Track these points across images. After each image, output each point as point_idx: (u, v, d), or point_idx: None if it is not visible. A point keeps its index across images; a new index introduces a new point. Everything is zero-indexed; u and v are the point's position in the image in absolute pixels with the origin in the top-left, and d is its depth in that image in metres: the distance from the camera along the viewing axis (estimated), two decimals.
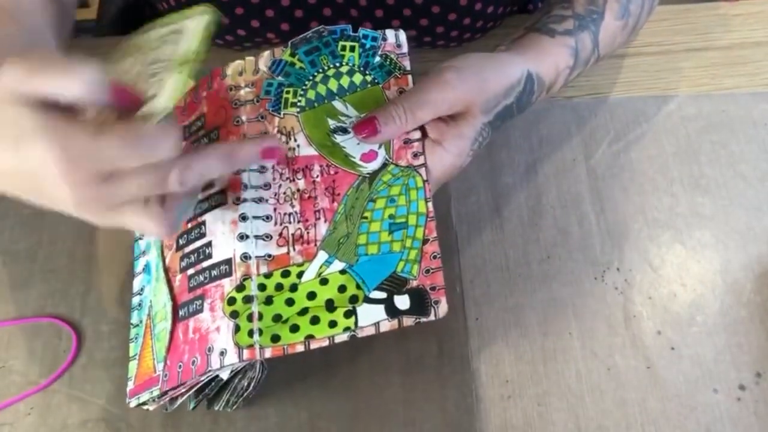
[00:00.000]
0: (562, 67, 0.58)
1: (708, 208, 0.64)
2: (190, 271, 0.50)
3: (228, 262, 0.48)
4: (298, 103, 0.52)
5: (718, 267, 0.61)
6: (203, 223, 0.50)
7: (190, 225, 0.51)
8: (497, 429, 0.55)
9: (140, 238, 0.55)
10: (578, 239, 0.62)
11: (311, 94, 0.52)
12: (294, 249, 0.49)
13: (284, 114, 0.51)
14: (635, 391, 0.56)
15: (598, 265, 0.61)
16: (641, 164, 0.66)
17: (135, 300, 0.54)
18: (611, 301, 0.60)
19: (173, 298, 0.50)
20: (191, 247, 0.50)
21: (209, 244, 0.49)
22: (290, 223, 0.49)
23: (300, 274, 0.48)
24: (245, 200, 0.50)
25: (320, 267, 0.48)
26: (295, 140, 0.51)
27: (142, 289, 0.53)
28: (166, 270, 0.51)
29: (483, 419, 0.55)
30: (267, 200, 0.50)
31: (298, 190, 0.50)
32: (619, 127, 0.68)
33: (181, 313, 0.49)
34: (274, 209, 0.50)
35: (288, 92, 0.52)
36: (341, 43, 0.53)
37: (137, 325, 0.53)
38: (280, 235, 0.49)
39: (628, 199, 0.64)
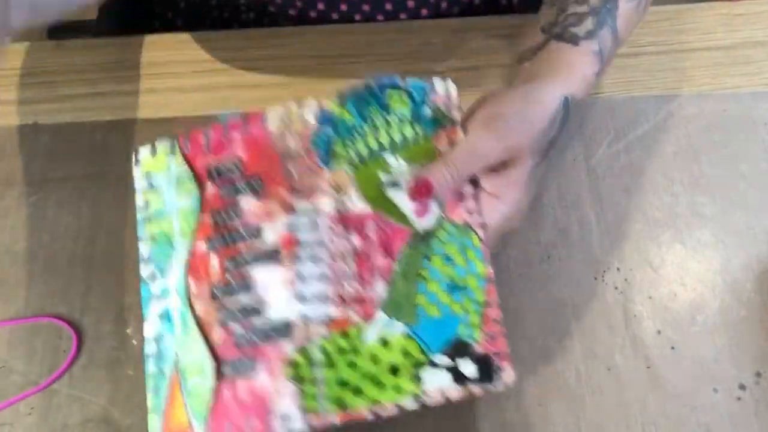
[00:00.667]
0: (590, 75, 0.56)
1: (708, 208, 0.64)
2: (236, 327, 0.47)
3: (285, 322, 0.47)
4: (349, 157, 0.51)
5: (718, 267, 0.61)
6: (249, 276, 0.49)
7: (228, 276, 0.49)
8: (497, 429, 0.55)
9: (150, 281, 0.52)
10: (578, 239, 0.62)
11: (362, 148, 0.51)
12: (352, 309, 0.48)
13: (335, 168, 0.51)
14: (635, 391, 0.56)
15: (598, 265, 0.61)
16: (642, 164, 0.66)
17: (150, 348, 0.50)
18: (611, 300, 0.60)
19: (214, 354, 0.47)
20: (234, 299, 0.48)
21: (260, 301, 0.48)
22: (347, 282, 0.48)
23: (361, 336, 0.47)
24: (299, 258, 0.49)
25: (381, 328, 0.48)
26: (348, 196, 0.50)
27: (160, 338, 0.50)
28: (199, 323, 0.48)
29: (483, 419, 0.55)
30: (322, 258, 0.49)
31: (353, 247, 0.49)
32: (620, 126, 0.68)
33: (226, 370, 0.47)
34: (330, 267, 0.49)
35: (338, 145, 0.51)
36: (390, 93, 0.52)
37: (155, 375, 0.49)
38: (338, 295, 0.48)
39: (629, 198, 0.64)
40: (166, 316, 0.50)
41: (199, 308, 0.48)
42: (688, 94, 0.70)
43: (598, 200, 0.64)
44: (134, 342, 0.58)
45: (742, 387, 0.56)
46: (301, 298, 0.48)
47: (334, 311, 0.48)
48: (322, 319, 0.48)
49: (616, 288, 0.60)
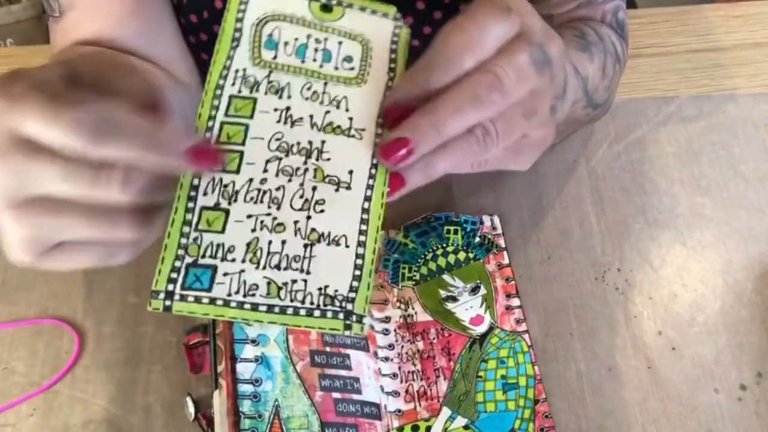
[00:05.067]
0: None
1: (708, 209, 0.64)
2: (336, 395, 0.52)
3: (377, 406, 0.53)
4: (414, 277, 0.60)
5: (719, 267, 0.61)
6: (348, 356, 0.54)
7: (329, 349, 0.53)
8: None
9: (245, 324, 0.53)
10: (579, 240, 0.63)
11: (424, 270, 0.61)
12: (420, 405, 0.55)
13: (402, 286, 0.60)
14: (636, 392, 0.56)
15: (599, 266, 0.61)
16: (642, 165, 0.66)
17: (246, 388, 0.52)
18: (612, 301, 0.60)
19: (317, 412, 0.51)
20: (334, 371, 0.53)
21: (357, 380, 0.53)
22: (414, 380, 0.56)
23: (428, 429, 0.54)
24: (377, 356, 0.56)
25: (445, 422, 0.54)
26: (413, 308, 0.59)
27: (258, 381, 0.52)
28: (302, 378, 0.52)
29: None
30: (392, 359, 0.57)
31: (418, 350, 0.57)
32: (620, 128, 0.68)
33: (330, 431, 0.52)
34: (399, 368, 0.56)
35: (404, 268, 0.61)
36: (446, 227, 0.62)
37: (253, 418, 0.51)
38: (407, 391, 0.56)
39: (629, 199, 0.64)
40: (264, 362, 0.53)
41: (300, 366, 0.52)
42: (687, 95, 0.70)
43: (598, 201, 0.64)
44: (136, 344, 0.58)
45: (743, 387, 0.56)
46: (383, 390, 0.55)
47: (403, 405, 0.55)
48: (394, 413, 0.54)
49: (616, 288, 0.60)
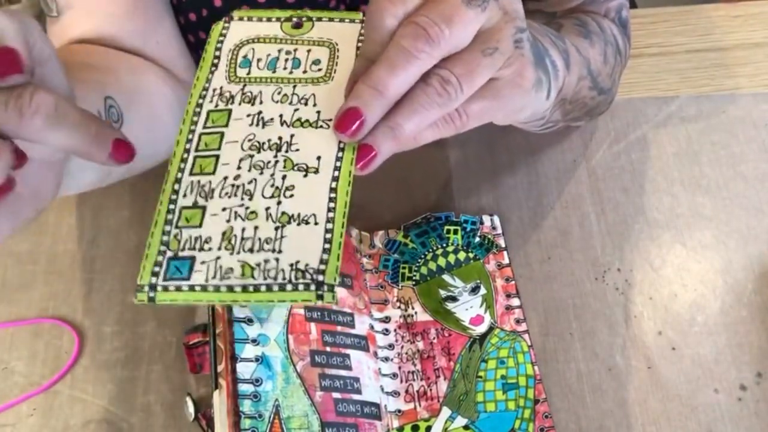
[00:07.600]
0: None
1: (708, 209, 0.64)
2: (336, 395, 0.52)
3: (377, 406, 0.54)
4: (414, 277, 0.61)
5: (719, 267, 0.61)
6: (348, 356, 0.54)
7: (329, 349, 0.54)
8: None
9: (245, 324, 0.54)
10: (579, 240, 0.63)
11: (424, 270, 0.61)
12: (420, 405, 0.55)
13: (402, 286, 0.60)
14: (636, 392, 0.56)
15: (599, 266, 0.61)
16: (642, 165, 0.66)
17: (246, 388, 0.52)
18: (612, 301, 0.60)
19: (317, 412, 0.51)
20: (334, 371, 0.53)
21: (357, 380, 0.53)
22: (414, 380, 0.56)
23: (428, 429, 0.54)
24: (377, 356, 0.56)
25: (445, 422, 0.55)
26: (413, 308, 0.59)
27: (258, 381, 0.52)
28: (302, 378, 0.52)
29: None
30: (392, 359, 0.57)
31: (418, 350, 0.58)
32: (620, 128, 0.68)
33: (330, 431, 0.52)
34: (399, 368, 0.57)
35: (404, 268, 0.61)
36: (446, 227, 0.62)
37: (254, 418, 0.51)
38: (407, 391, 0.56)
39: (629, 199, 0.64)
40: (264, 362, 0.53)
41: (300, 366, 0.52)
42: (687, 95, 0.70)
43: (598, 201, 0.64)
44: (136, 344, 0.58)
45: (743, 387, 0.56)
46: (383, 390, 0.55)
47: (403, 405, 0.55)
48: (394, 413, 0.55)
49: (616, 289, 0.60)
